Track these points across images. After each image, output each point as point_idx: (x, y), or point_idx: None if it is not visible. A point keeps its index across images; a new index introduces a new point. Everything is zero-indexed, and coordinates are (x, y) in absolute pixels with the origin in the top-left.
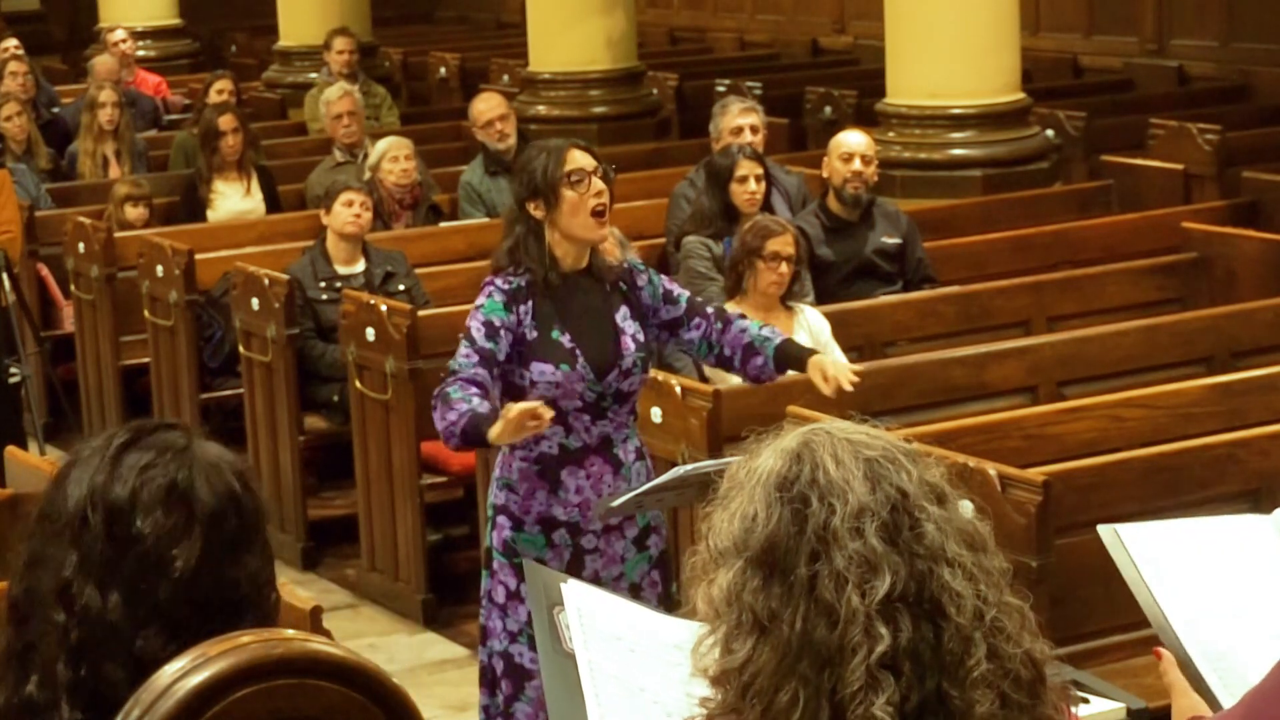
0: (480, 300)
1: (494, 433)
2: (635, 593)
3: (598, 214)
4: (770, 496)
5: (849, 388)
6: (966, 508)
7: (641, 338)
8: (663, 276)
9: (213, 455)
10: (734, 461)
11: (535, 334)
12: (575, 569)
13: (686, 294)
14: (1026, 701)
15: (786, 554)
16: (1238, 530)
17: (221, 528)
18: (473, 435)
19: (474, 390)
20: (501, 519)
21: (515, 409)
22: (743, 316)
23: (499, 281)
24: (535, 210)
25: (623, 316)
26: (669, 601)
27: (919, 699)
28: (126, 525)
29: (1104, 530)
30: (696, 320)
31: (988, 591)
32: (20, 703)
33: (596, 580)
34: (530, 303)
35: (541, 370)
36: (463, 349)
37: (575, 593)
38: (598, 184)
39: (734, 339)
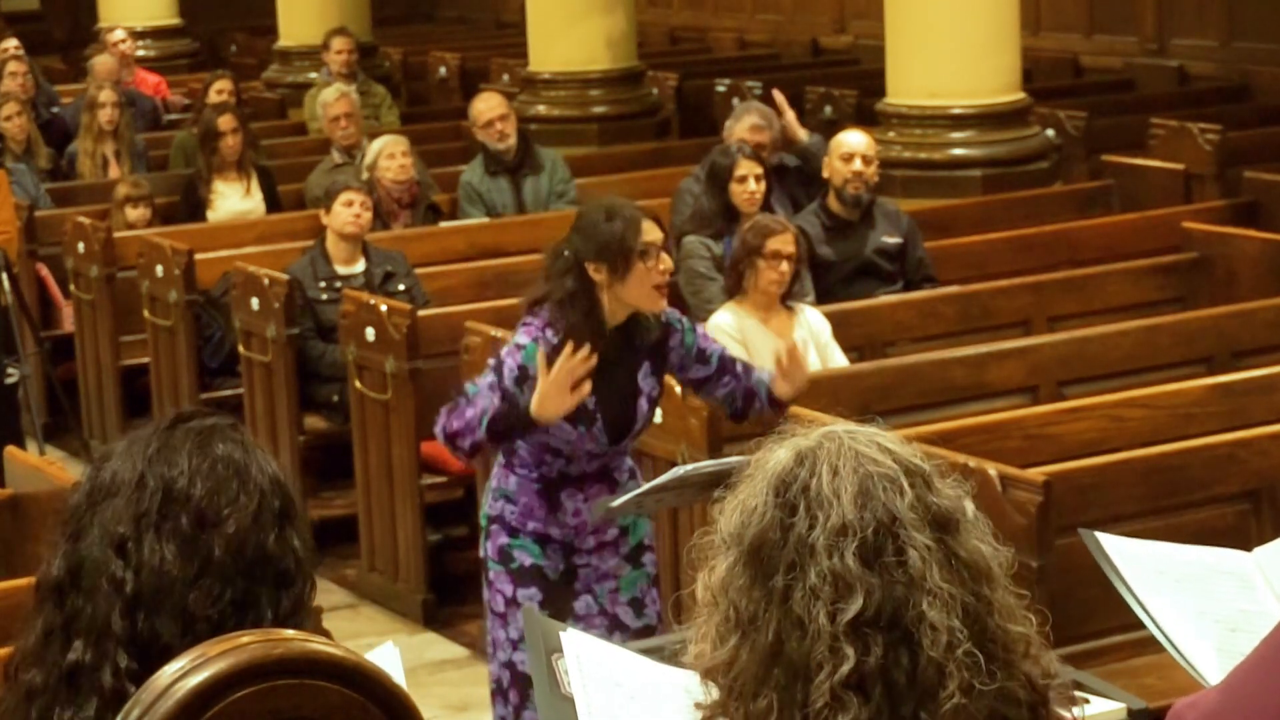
0: (523, 340)
1: (536, 400)
2: (638, 608)
3: (659, 288)
4: (768, 495)
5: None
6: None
7: (656, 394)
8: (698, 332)
9: (257, 444)
10: (741, 460)
11: None
12: (568, 580)
13: (719, 351)
14: None
15: (770, 559)
16: (1217, 557)
17: (270, 501)
18: (502, 419)
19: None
20: (495, 527)
21: (555, 366)
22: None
23: (548, 334)
24: (596, 273)
25: (644, 374)
26: (663, 618)
27: None
28: (184, 486)
29: (1085, 534)
30: (726, 379)
31: (970, 625)
32: (62, 673)
33: (591, 591)
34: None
35: (561, 426)
36: (487, 379)
37: (574, 641)
38: (666, 260)
39: (748, 389)
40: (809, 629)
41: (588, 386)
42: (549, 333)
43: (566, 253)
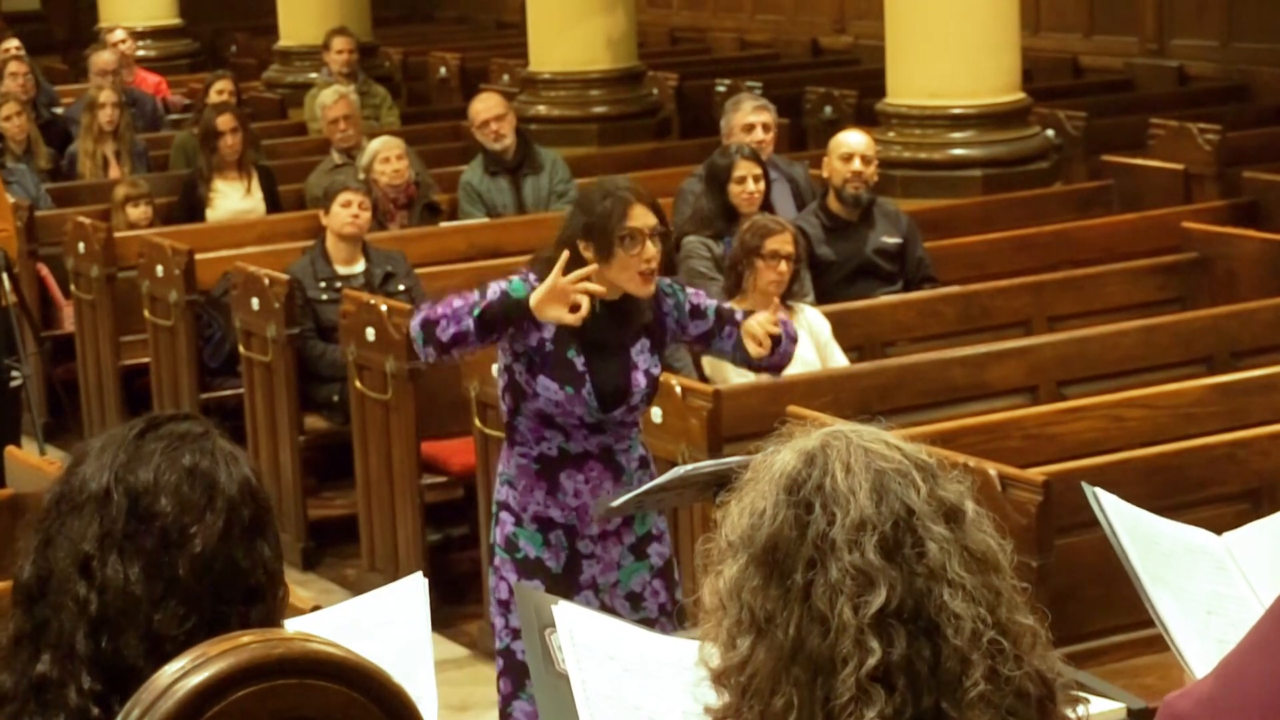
0: (512, 278)
1: (538, 293)
2: (635, 601)
3: (645, 275)
4: (779, 496)
5: (775, 329)
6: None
7: (656, 371)
8: (689, 290)
9: (229, 446)
10: (748, 459)
11: (553, 347)
12: (572, 572)
13: (714, 304)
14: (1035, 719)
15: (786, 557)
16: (1192, 535)
17: (240, 513)
18: (498, 305)
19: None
20: (504, 515)
21: (568, 278)
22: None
23: (533, 277)
24: (585, 250)
25: (639, 350)
26: (670, 612)
27: (914, 715)
28: (150, 502)
29: (1087, 488)
30: (728, 329)
31: (989, 614)
32: (31, 683)
33: (594, 586)
34: None
35: (547, 385)
36: (470, 294)
37: (566, 614)
38: (650, 249)
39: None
40: (832, 624)
41: (585, 309)
42: (534, 278)
43: (574, 225)
